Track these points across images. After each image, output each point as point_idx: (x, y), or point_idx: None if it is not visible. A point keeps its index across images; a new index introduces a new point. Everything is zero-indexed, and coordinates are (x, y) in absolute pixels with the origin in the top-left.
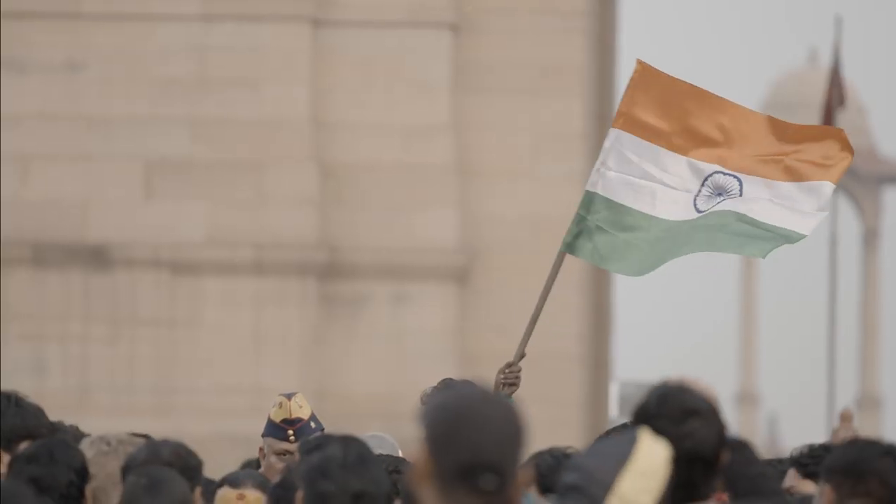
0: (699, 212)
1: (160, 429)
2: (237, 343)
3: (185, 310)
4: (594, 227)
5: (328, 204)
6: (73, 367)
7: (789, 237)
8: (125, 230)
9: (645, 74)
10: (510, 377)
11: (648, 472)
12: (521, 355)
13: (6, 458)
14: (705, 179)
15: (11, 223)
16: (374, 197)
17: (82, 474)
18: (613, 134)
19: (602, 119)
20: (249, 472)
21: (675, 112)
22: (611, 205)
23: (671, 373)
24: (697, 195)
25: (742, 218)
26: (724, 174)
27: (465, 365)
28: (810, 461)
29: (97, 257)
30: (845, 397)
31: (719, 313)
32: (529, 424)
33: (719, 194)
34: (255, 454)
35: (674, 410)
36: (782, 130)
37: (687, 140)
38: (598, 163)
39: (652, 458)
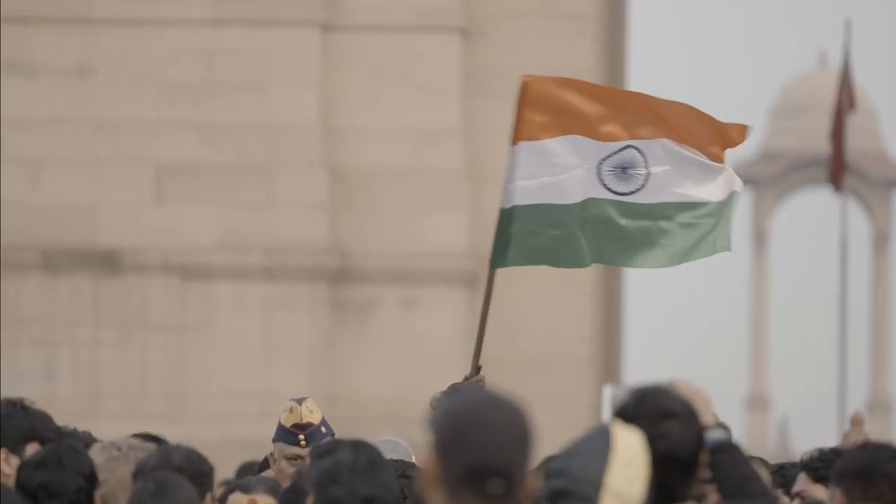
0: (616, 193)
1: (171, 434)
2: (247, 348)
3: (195, 315)
4: (525, 233)
5: (338, 209)
6: (84, 372)
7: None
8: (135, 235)
9: (529, 89)
10: None
11: (631, 461)
12: (477, 369)
13: (14, 460)
14: (607, 157)
15: (21, 228)
16: (383, 201)
17: (91, 480)
18: (515, 150)
19: None
20: (260, 478)
21: (569, 103)
22: (531, 209)
23: (681, 376)
24: (601, 171)
25: (665, 211)
26: (629, 147)
27: None
28: (820, 465)
29: (107, 262)
30: (856, 401)
31: (729, 317)
32: (538, 428)
33: (624, 169)
34: (259, 458)
35: (650, 412)
36: (675, 110)
37: (586, 123)
38: (505, 182)
39: (630, 446)
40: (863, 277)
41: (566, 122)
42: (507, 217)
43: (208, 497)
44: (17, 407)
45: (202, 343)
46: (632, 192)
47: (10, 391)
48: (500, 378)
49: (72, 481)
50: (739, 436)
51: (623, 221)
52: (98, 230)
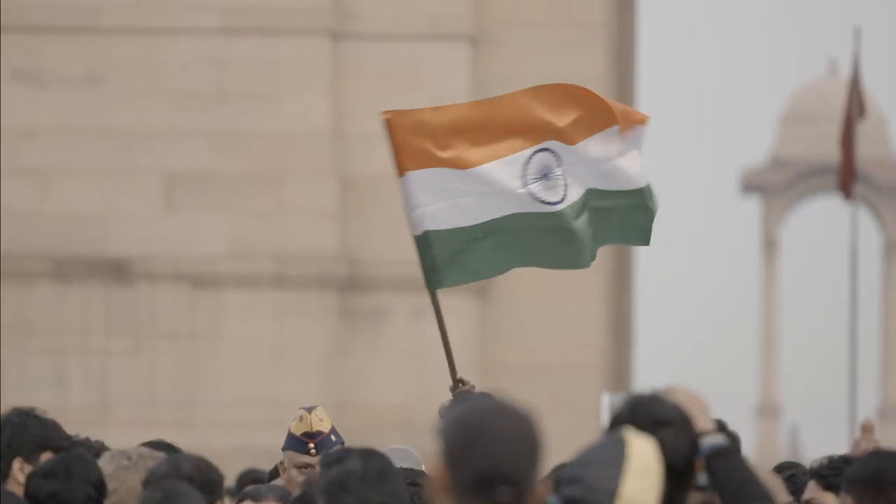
0: (547, 203)
1: (181, 442)
2: (257, 356)
3: (205, 323)
4: (450, 254)
5: (348, 216)
6: (94, 381)
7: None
8: (145, 244)
9: (395, 122)
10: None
11: (646, 470)
12: (457, 381)
13: (28, 468)
14: (525, 167)
15: (31, 237)
16: (393, 209)
17: (100, 489)
18: (405, 180)
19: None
20: (271, 487)
21: (443, 135)
22: (446, 234)
23: (683, 382)
24: (526, 184)
25: (592, 198)
26: (541, 151)
27: (486, 377)
28: (830, 473)
29: (118, 271)
30: (866, 408)
31: (740, 325)
32: (547, 436)
33: (545, 175)
34: (269, 467)
35: (644, 420)
36: (548, 97)
37: (475, 149)
38: (406, 210)
39: (645, 455)
40: (873, 285)
41: (443, 153)
42: (425, 242)
43: None
44: (31, 416)
45: (212, 351)
46: (559, 202)
47: (21, 400)
48: (510, 385)
49: (81, 490)
50: (750, 444)
51: (552, 228)
52: (108, 239)
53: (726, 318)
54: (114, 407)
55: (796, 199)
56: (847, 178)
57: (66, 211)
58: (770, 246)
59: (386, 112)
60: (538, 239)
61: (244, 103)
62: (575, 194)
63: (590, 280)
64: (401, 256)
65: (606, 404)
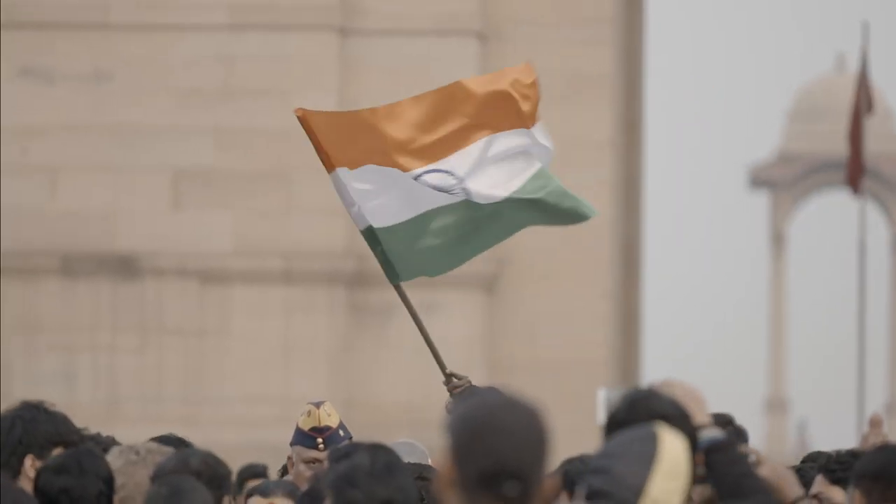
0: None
1: (189, 438)
2: (265, 352)
3: (213, 319)
4: (399, 250)
5: None
6: (103, 377)
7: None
8: (153, 240)
9: (309, 120)
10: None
11: (675, 472)
12: (449, 377)
13: (39, 464)
14: (418, 177)
15: (40, 234)
16: None
17: (110, 484)
18: (335, 177)
19: (630, 126)
20: (279, 482)
21: (359, 135)
22: (388, 230)
23: (699, 379)
24: (426, 184)
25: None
26: (436, 172)
27: (494, 373)
28: (838, 467)
29: (125, 267)
30: (875, 403)
31: (748, 320)
32: (554, 431)
33: (439, 189)
34: (279, 463)
35: (641, 416)
36: (461, 94)
37: (381, 152)
38: (346, 207)
39: (677, 457)
40: (881, 279)
41: (358, 151)
42: (372, 237)
43: (226, 500)
44: (41, 411)
45: (220, 347)
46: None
47: (29, 396)
48: (517, 381)
49: (93, 486)
50: (758, 439)
51: (482, 213)
52: (116, 235)
53: (734, 313)
54: (121, 403)
55: (804, 194)
56: (855, 173)
57: (74, 208)
58: (778, 241)
59: (297, 109)
60: (486, 221)
61: (251, 100)
62: (493, 198)
63: (597, 276)
64: None
65: (603, 400)
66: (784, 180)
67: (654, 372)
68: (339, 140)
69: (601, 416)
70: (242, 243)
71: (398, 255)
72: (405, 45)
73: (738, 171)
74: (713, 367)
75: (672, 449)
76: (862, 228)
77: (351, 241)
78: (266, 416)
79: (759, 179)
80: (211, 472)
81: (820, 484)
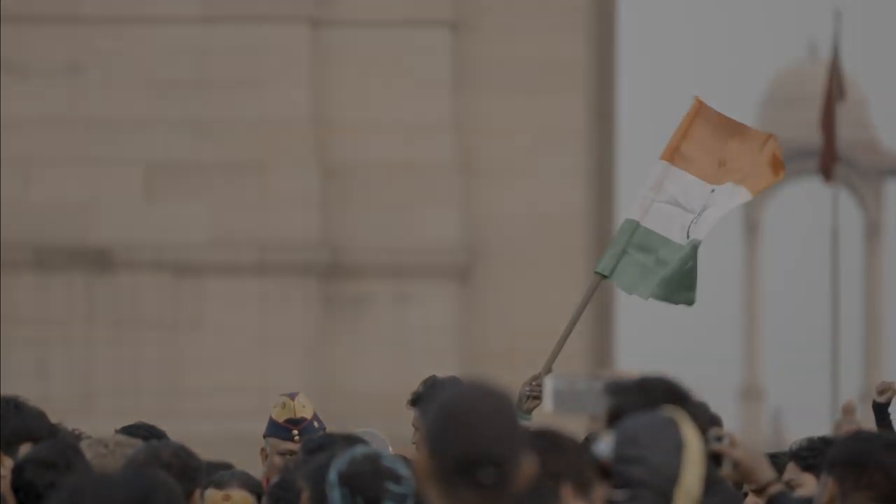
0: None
1: (166, 431)
2: (241, 344)
3: (188, 311)
4: (633, 254)
5: (330, 204)
6: (77, 370)
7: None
8: (128, 232)
9: (701, 112)
10: (535, 390)
11: (698, 459)
12: (548, 370)
13: (7, 461)
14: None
15: (14, 227)
16: (375, 196)
17: None
18: (661, 166)
19: (602, 116)
20: (234, 472)
21: (717, 147)
22: (648, 233)
23: (673, 368)
24: (694, 219)
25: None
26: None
27: (468, 363)
28: (809, 454)
29: (100, 260)
30: (849, 391)
31: (722, 308)
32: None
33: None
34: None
35: (655, 400)
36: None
37: (717, 171)
38: (644, 192)
39: (697, 444)
40: (855, 267)
41: (706, 164)
42: (629, 229)
43: (196, 493)
44: (11, 406)
45: (196, 340)
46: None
47: (4, 390)
48: (492, 371)
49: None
50: (733, 427)
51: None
52: (91, 228)
53: (708, 300)
54: (97, 396)
55: (778, 181)
56: (828, 161)
57: (48, 200)
58: (752, 229)
59: (699, 99)
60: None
61: (225, 91)
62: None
63: (571, 265)
64: (383, 243)
65: (549, 389)
66: None
67: (629, 360)
68: (698, 142)
69: (549, 405)
70: (217, 235)
71: (630, 256)
72: (378, 36)
73: None
74: (687, 355)
75: (692, 437)
76: (835, 216)
77: (326, 232)
78: (243, 408)
79: None
80: (182, 464)
81: (791, 471)
